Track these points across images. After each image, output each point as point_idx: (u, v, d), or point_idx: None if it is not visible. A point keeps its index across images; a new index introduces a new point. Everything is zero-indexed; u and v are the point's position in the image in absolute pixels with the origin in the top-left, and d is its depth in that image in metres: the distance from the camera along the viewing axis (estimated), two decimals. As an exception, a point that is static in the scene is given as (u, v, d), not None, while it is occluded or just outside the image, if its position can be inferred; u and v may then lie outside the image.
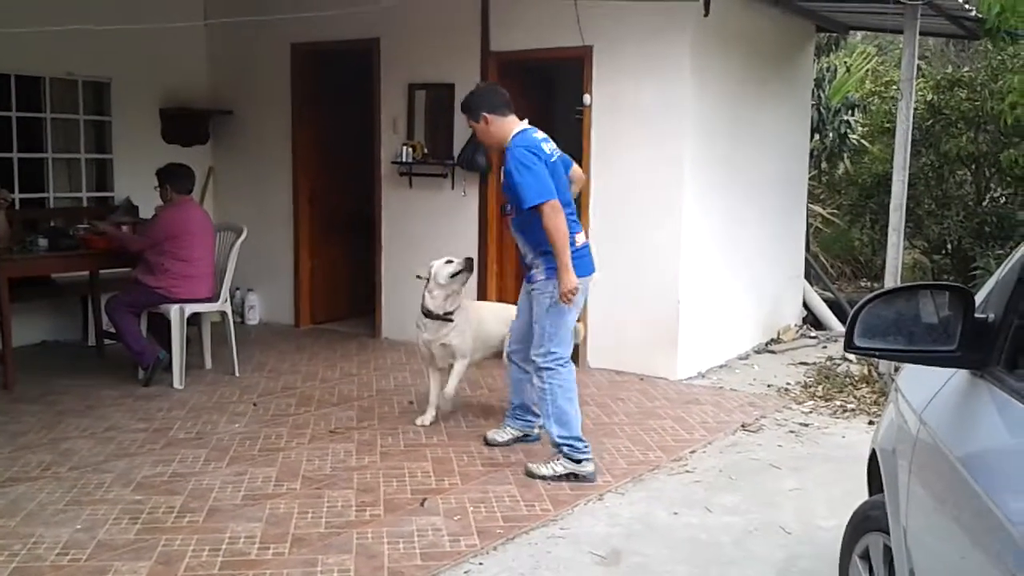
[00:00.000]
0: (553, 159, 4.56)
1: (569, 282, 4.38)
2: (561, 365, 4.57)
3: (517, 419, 5.04)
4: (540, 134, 4.65)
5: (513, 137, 4.56)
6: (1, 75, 7.25)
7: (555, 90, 7.89)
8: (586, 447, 4.54)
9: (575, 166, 4.90)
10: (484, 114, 4.63)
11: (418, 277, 5.41)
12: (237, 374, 6.49)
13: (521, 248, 4.72)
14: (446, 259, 5.31)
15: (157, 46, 7.76)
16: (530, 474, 4.55)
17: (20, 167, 7.44)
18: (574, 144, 7.40)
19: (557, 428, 4.52)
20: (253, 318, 8.50)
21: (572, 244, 4.46)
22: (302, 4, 7.15)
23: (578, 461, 4.50)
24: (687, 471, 4.78)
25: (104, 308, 6.56)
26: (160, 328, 6.33)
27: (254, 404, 5.84)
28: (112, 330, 6.44)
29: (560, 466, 4.51)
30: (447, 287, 5.23)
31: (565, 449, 4.50)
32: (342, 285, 8.53)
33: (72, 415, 5.54)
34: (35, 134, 7.58)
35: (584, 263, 4.60)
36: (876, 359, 6.16)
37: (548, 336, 4.56)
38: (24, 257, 6.29)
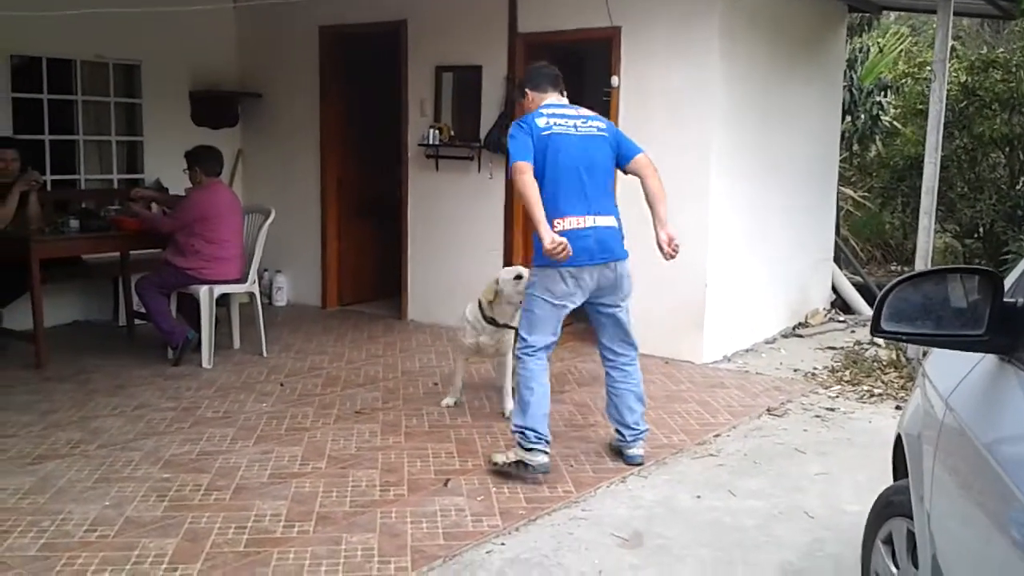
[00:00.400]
0: (547, 132, 4.33)
1: (544, 237, 4.12)
2: (528, 355, 4.38)
3: None
4: (553, 109, 4.47)
5: (547, 106, 4.49)
6: (32, 58, 7.33)
7: (584, 71, 7.85)
8: (537, 439, 4.27)
9: (640, 156, 4.58)
10: (527, 89, 4.61)
11: (489, 302, 5.08)
12: (265, 354, 6.54)
13: None
14: (515, 274, 4.97)
15: (187, 29, 7.81)
16: (491, 461, 4.43)
17: (51, 149, 7.52)
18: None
19: (515, 415, 4.40)
20: (281, 299, 8.56)
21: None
22: (329, -14, 7.15)
23: (528, 450, 4.27)
24: (711, 455, 4.76)
25: (134, 289, 6.63)
26: (189, 309, 6.39)
27: (281, 384, 5.89)
28: (142, 310, 6.51)
29: (513, 454, 4.35)
30: (516, 303, 4.93)
31: (517, 437, 4.34)
32: (369, 267, 8.56)
33: (102, 394, 5.62)
34: (66, 116, 7.66)
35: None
36: (904, 343, 6.10)
37: (522, 323, 4.49)
38: (56, 238, 6.35)
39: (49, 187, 7.36)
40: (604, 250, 4.39)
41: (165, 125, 8.10)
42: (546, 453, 4.30)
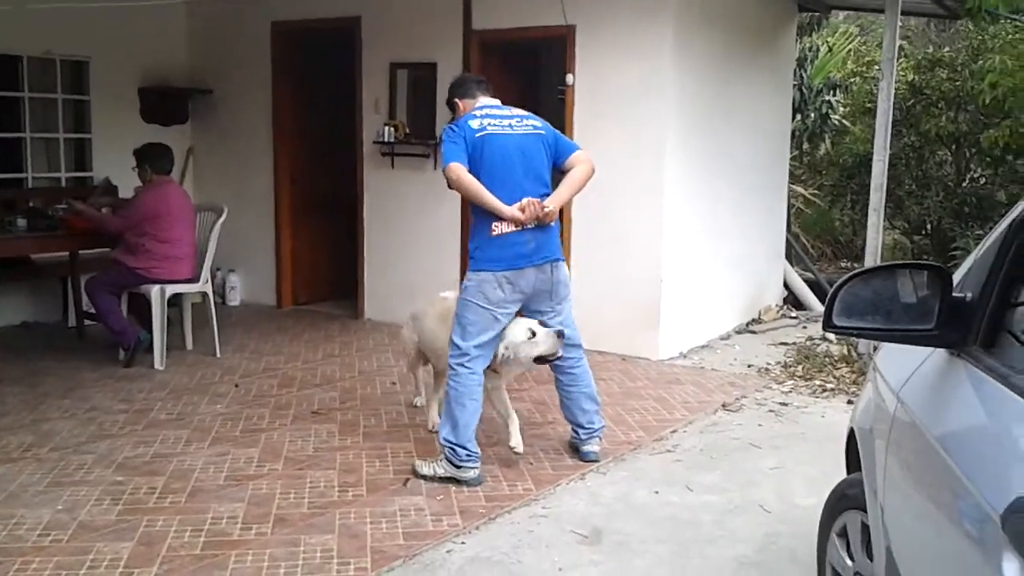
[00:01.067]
0: (481, 133, 4.28)
1: (505, 212, 4.16)
2: (462, 365, 4.26)
3: None
4: (487, 110, 4.42)
5: (472, 112, 4.45)
6: (-22, 54, 7.18)
7: (540, 69, 7.87)
8: (468, 456, 4.20)
9: (577, 153, 4.56)
10: (456, 100, 4.57)
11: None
12: (219, 355, 6.47)
13: None
14: (527, 332, 4.31)
15: (136, 24, 7.68)
16: (414, 470, 4.35)
17: (-3, 147, 7.37)
18: (557, 123, 7.40)
19: (444, 430, 4.28)
20: (234, 299, 8.47)
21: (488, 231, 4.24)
22: (282, -19, 7.09)
23: (457, 467, 4.21)
24: (668, 451, 4.81)
25: (84, 289, 6.51)
26: (141, 309, 6.30)
27: (236, 385, 5.83)
28: (92, 311, 6.40)
29: (441, 468, 4.25)
30: (527, 366, 4.49)
31: (447, 452, 4.22)
32: (324, 266, 8.50)
33: (53, 396, 5.52)
34: (13, 113, 7.51)
35: (496, 253, 4.24)
36: (855, 339, 6.20)
37: (454, 329, 4.35)
38: (3, 238, 6.25)
39: (-5, 186, 7.21)
40: (540, 250, 4.33)
41: (114, 122, 7.97)
42: (476, 467, 4.26)
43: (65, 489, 4.09)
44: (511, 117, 4.45)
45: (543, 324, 4.37)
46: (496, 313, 4.27)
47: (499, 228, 4.23)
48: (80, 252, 6.98)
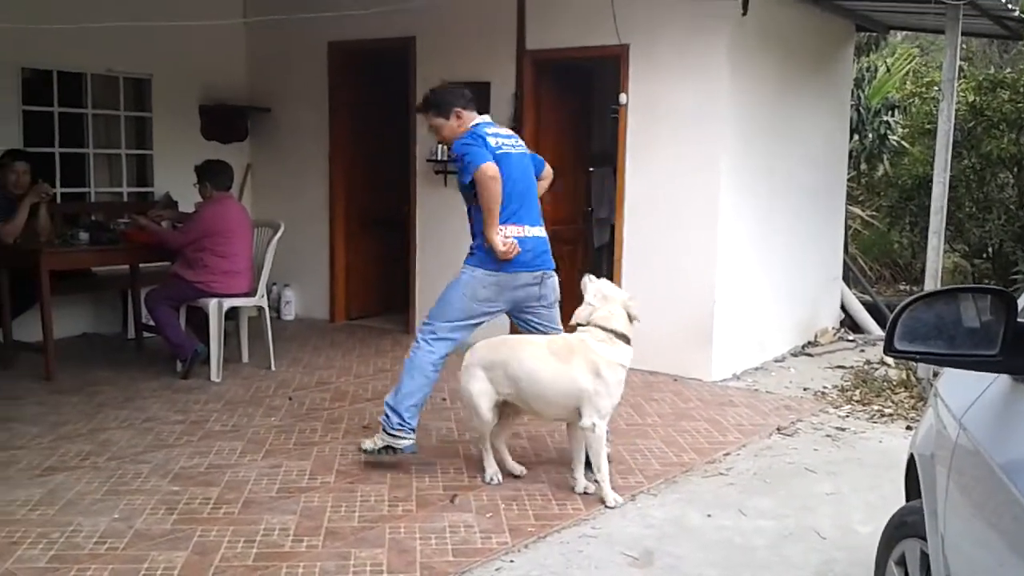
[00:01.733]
0: (500, 151, 4.48)
1: (495, 240, 4.39)
2: (427, 341, 4.50)
3: None
4: (492, 128, 4.64)
5: (478, 127, 4.63)
6: (43, 71, 7.38)
7: (592, 88, 7.88)
8: (400, 425, 4.45)
9: (547, 166, 4.91)
10: (458, 109, 4.63)
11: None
12: (273, 368, 6.55)
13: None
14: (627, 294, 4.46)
15: (197, 43, 7.85)
16: (360, 448, 4.60)
17: (62, 162, 7.56)
18: (611, 143, 7.41)
19: (389, 396, 4.56)
20: (289, 313, 8.58)
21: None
22: (340, 3, 7.19)
23: (390, 434, 4.46)
24: (721, 473, 4.75)
25: (144, 301, 6.65)
26: (198, 322, 6.41)
27: (289, 398, 5.89)
28: (151, 323, 6.53)
29: (380, 439, 4.51)
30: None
31: (383, 416, 4.51)
32: (376, 281, 8.58)
33: (111, 406, 5.62)
34: (77, 129, 7.71)
35: (495, 255, 4.43)
36: (915, 363, 6.09)
37: (435, 306, 4.60)
38: (66, 250, 6.39)
39: (59, 199, 7.39)
40: (536, 259, 4.59)
41: (175, 139, 8.14)
42: (410, 438, 4.48)
43: (122, 498, 4.15)
44: (511, 137, 4.75)
45: (529, 322, 4.63)
46: (479, 310, 4.52)
47: (504, 231, 4.45)
48: (140, 265, 7.13)
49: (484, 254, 4.49)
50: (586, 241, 7.92)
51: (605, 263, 7.97)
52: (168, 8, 7.20)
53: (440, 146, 7.43)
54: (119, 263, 7.07)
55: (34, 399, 5.74)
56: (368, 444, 4.56)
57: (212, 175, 6.43)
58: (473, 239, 4.63)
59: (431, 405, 5.75)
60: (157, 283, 6.60)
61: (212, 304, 6.22)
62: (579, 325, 4.33)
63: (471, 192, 4.49)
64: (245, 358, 6.76)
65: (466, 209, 4.69)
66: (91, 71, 7.69)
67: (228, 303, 6.32)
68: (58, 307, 6.51)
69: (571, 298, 7.61)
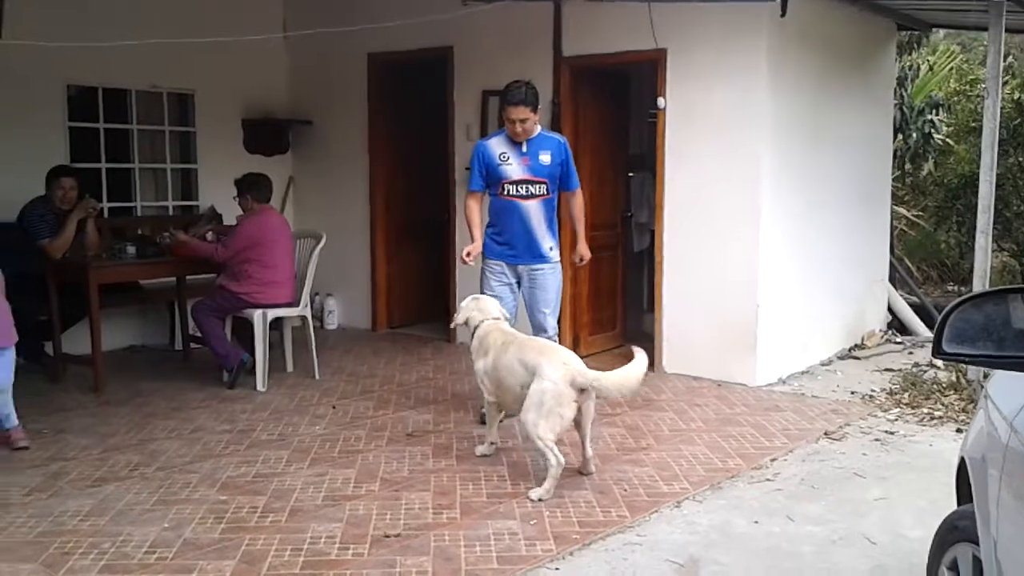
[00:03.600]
0: None
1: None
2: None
3: None
4: None
5: (545, 130, 5.52)
6: (89, 88, 7.53)
7: (630, 93, 7.86)
8: None
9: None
10: (540, 108, 5.33)
11: None
12: (317, 377, 6.61)
13: (530, 223, 5.40)
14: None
15: (239, 58, 7.96)
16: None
17: (108, 177, 7.70)
18: (649, 147, 7.38)
19: None
20: (332, 323, 8.65)
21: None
22: (378, 14, 7.25)
23: None
24: (768, 479, 4.70)
25: (190, 313, 6.73)
26: (244, 332, 6.48)
27: (333, 407, 5.94)
28: (198, 334, 6.62)
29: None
30: None
31: None
32: (417, 290, 8.62)
33: (159, 417, 5.71)
34: (122, 145, 7.85)
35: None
36: (965, 365, 5.98)
37: (555, 300, 5.56)
38: (113, 264, 6.50)
39: (106, 214, 7.53)
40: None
41: (218, 152, 8.26)
42: None
43: (171, 507, 4.21)
44: None
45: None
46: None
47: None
48: (187, 277, 7.23)
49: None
50: (626, 246, 7.89)
51: (646, 268, 7.94)
52: (210, 24, 7.31)
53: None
54: (165, 276, 7.18)
55: (83, 411, 5.84)
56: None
57: (252, 188, 6.50)
58: (553, 237, 5.52)
59: (474, 413, 5.76)
60: (203, 295, 6.69)
61: (257, 315, 6.29)
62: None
63: (556, 185, 5.45)
64: (290, 367, 6.83)
65: (544, 196, 5.41)
66: (135, 87, 7.83)
67: (272, 313, 6.39)
68: (106, 320, 6.62)
69: (608, 297, 7.61)
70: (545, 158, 5.37)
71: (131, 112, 7.86)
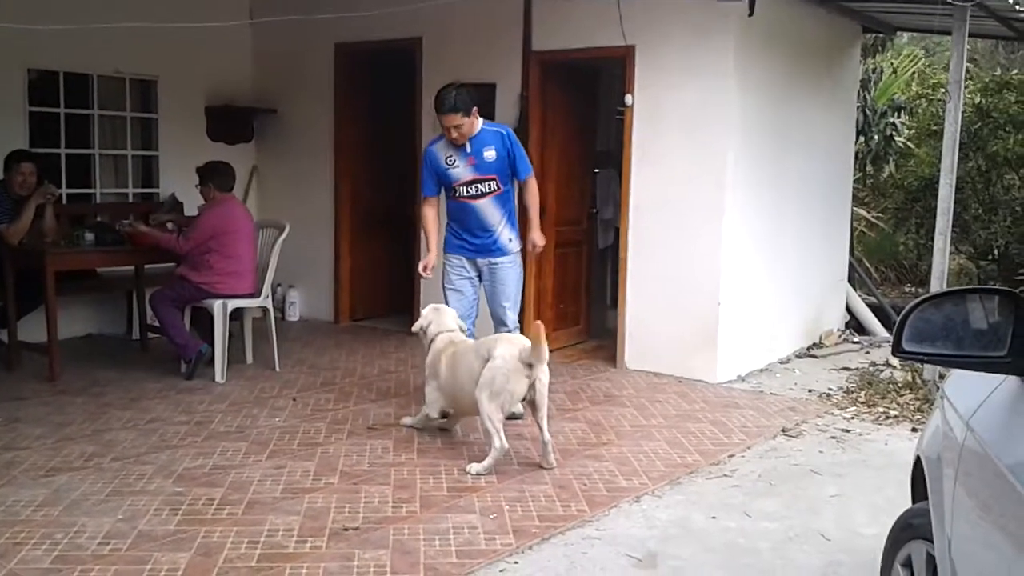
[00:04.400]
0: None
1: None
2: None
3: None
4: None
5: (487, 124, 5.48)
6: (49, 72, 7.39)
7: (598, 90, 7.87)
8: None
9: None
10: (475, 108, 5.30)
11: None
12: (277, 369, 6.55)
13: (486, 221, 5.40)
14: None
15: (203, 45, 7.85)
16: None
17: (67, 163, 7.57)
18: (617, 144, 7.40)
19: None
20: (294, 314, 8.58)
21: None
22: (346, 4, 7.20)
23: None
24: (726, 475, 4.73)
25: (148, 302, 6.65)
26: (203, 322, 6.41)
27: (294, 399, 5.89)
28: (156, 324, 6.53)
29: None
30: None
31: None
32: (381, 282, 8.57)
33: (115, 407, 5.62)
34: (82, 130, 7.71)
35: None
36: (921, 365, 6.07)
37: (514, 292, 5.56)
38: (71, 251, 6.39)
39: (65, 200, 7.40)
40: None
41: (181, 140, 8.15)
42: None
43: (125, 499, 4.15)
44: None
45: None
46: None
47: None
48: (145, 266, 7.14)
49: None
50: (591, 242, 7.90)
51: (610, 264, 7.97)
52: (174, 9, 7.20)
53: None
54: (124, 264, 7.09)
55: (38, 400, 5.74)
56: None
57: (215, 176, 6.43)
58: (512, 228, 5.50)
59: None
60: (162, 284, 6.60)
61: (216, 305, 6.22)
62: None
63: (508, 176, 5.43)
64: (249, 359, 6.76)
65: (496, 191, 5.38)
66: (97, 72, 7.69)
67: (232, 304, 6.32)
68: (63, 308, 6.52)
69: (573, 292, 7.62)
70: (490, 154, 5.34)
71: (92, 97, 7.72)
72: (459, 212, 5.46)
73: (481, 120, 5.41)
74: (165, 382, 6.19)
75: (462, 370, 4.75)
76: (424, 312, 5.20)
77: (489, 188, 5.38)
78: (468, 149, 5.34)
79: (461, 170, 5.35)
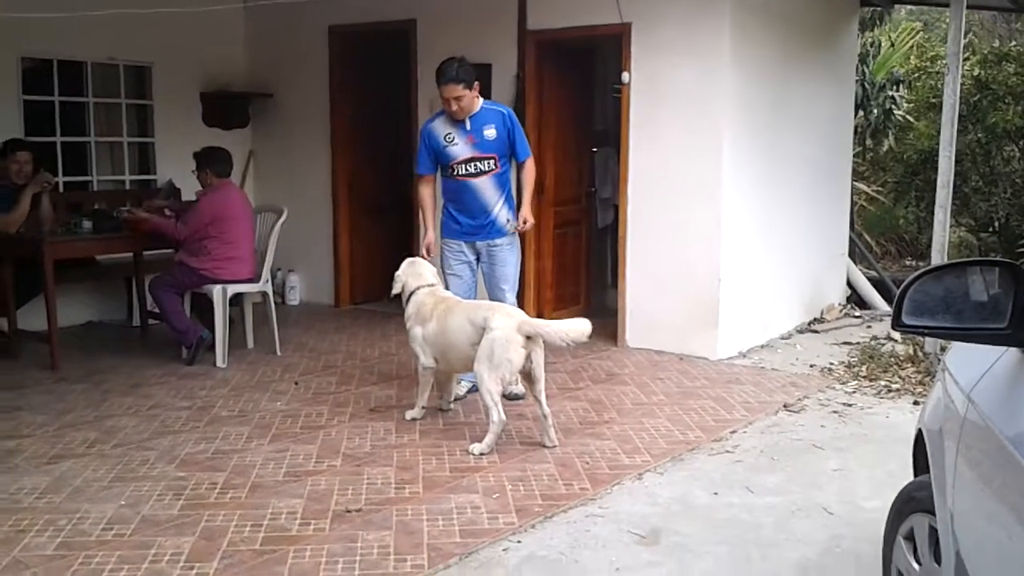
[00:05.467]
0: None
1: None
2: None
3: None
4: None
5: (488, 103, 5.43)
6: (44, 60, 7.36)
7: (594, 68, 7.83)
8: None
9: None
10: (476, 83, 5.26)
11: None
12: (279, 353, 6.55)
13: (484, 200, 5.36)
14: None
15: (197, 30, 7.82)
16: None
17: (63, 151, 7.55)
18: (614, 122, 7.37)
19: None
20: (294, 298, 8.58)
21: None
22: (340, -15, 7.15)
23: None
24: (728, 451, 4.74)
25: (148, 289, 6.64)
26: (203, 308, 6.40)
27: (295, 383, 5.89)
28: (156, 310, 6.52)
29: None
30: None
31: None
32: (380, 266, 8.48)
33: (117, 393, 5.63)
34: (78, 118, 7.69)
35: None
36: (922, 338, 6.06)
37: (513, 274, 5.54)
38: (69, 239, 6.38)
39: (62, 188, 7.38)
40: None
41: (176, 126, 8.12)
42: None
43: (128, 484, 4.16)
44: None
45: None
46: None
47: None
48: (144, 253, 7.12)
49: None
50: (590, 222, 7.88)
51: (609, 243, 7.95)
52: (168, -6, 7.16)
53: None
54: (122, 251, 7.06)
55: (40, 388, 5.74)
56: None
57: (212, 162, 6.40)
58: (510, 210, 5.47)
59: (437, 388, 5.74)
60: (161, 270, 6.59)
61: (216, 290, 6.22)
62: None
63: (506, 157, 5.39)
64: (250, 344, 6.76)
65: (494, 171, 5.35)
66: (92, 60, 7.66)
67: (232, 289, 6.31)
68: (62, 296, 6.52)
69: (573, 272, 7.61)
70: (490, 132, 5.30)
71: (87, 85, 7.69)
72: (456, 192, 5.41)
73: (482, 99, 5.38)
74: (166, 368, 6.20)
75: (453, 327, 4.80)
76: (400, 270, 5.17)
77: (488, 167, 5.34)
78: (468, 127, 5.30)
79: (460, 147, 5.31)
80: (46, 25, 6.31)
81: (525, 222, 5.48)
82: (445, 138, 5.34)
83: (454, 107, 5.22)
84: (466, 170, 5.35)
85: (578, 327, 4.57)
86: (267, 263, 6.52)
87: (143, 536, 3.63)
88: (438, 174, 5.52)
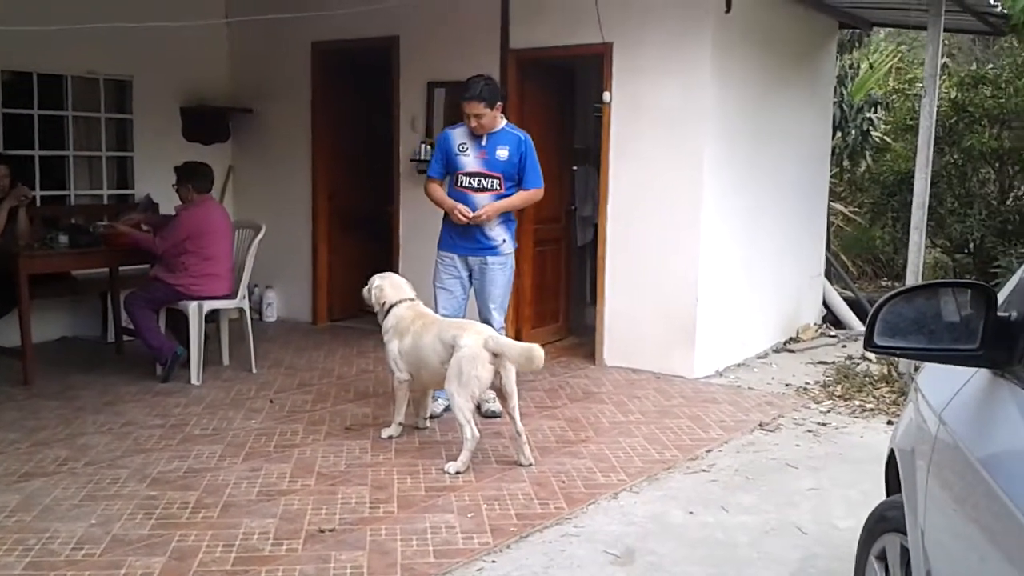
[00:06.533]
0: None
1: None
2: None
3: None
4: None
5: (510, 126, 5.47)
6: (23, 73, 7.31)
7: (576, 87, 7.86)
8: None
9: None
10: (499, 104, 5.31)
11: None
12: (254, 371, 6.50)
13: (486, 223, 5.34)
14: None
15: (178, 44, 7.79)
16: None
17: (41, 165, 7.49)
18: (595, 141, 7.39)
19: None
20: (271, 315, 8.53)
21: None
22: (322, 2, 7.16)
23: None
24: (703, 470, 4.74)
25: (123, 304, 6.58)
26: (178, 324, 6.35)
27: (271, 401, 5.85)
28: (131, 326, 6.46)
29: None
30: None
31: None
32: (359, 283, 8.42)
33: (89, 411, 5.57)
34: (56, 132, 7.63)
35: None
36: (896, 358, 6.10)
37: (502, 294, 5.54)
38: (45, 253, 6.32)
39: (39, 202, 7.32)
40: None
41: (156, 141, 8.08)
42: None
43: (99, 503, 4.11)
44: None
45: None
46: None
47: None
48: (120, 268, 7.07)
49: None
50: (569, 240, 7.89)
51: (589, 261, 7.96)
52: (149, 9, 7.10)
53: (423, 145, 7.41)
54: (98, 266, 7.00)
55: (12, 404, 5.67)
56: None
57: (192, 177, 6.37)
58: (508, 231, 5.47)
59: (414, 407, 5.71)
60: (137, 286, 6.53)
61: (192, 307, 6.17)
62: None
63: (513, 181, 5.39)
64: (226, 361, 6.71)
65: (497, 191, 5.34)
66: (71, 73, 7.61)
67: (208, 305, 6.27)
68: (37, 311, 6.45)
69: (552, 290, 7.61)
70: (502, 153, 5.34)
71: (66, 98, 7.64)
72: (458, 202, 5.37)
73: (505, 120, 5.43)
74: (140, 385, 6.14)
75: (425, 344, 4.84)
76: (375, 284, 5.18)
77: (491, 185, 5.36)
78: (483, 143, 5.36)
79: (470, 160, 5.36)
80: (26, 38, 6.26)
81: (475, 215, 5.28)
82: (459, 147, 5.39)
83: (473, 123, 5.29)
84: (470, 183, 5.37)
85: (535, 351, 4.55)
86: (244, 279, 6.48)
87: (113, 556, 3.58)
88: (446, 182, 5.51)
